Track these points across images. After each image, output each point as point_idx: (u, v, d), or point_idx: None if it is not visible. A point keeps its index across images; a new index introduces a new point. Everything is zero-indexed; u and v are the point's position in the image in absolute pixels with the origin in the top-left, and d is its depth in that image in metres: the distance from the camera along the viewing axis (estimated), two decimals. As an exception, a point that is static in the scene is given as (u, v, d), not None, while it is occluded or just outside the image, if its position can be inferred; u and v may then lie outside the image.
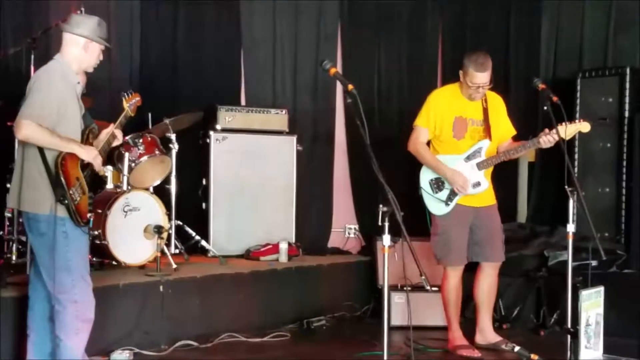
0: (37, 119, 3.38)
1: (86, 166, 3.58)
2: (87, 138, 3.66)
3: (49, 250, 3.47)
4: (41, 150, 3.44)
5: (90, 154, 3.57)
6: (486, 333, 4.79)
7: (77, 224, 3.50)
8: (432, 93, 4.74)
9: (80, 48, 3.62)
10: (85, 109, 3.76)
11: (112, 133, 3.74)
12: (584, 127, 4.37)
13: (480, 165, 4.53)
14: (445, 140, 4.59)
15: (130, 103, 3.91)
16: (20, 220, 4.81)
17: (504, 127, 4.66)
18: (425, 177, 4.61)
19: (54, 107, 3.45)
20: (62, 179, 3.42)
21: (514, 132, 4.69)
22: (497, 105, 4.68)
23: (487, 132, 4.56)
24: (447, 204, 4.56)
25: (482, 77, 4.44)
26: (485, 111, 4.57)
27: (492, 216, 4.67)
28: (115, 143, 3.82)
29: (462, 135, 4.57)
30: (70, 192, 3.45)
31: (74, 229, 3.51)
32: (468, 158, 4.54)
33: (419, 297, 5.12)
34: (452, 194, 4.55)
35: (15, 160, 3.63)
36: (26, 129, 3.37)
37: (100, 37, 3.67)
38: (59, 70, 3.57)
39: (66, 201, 3.43)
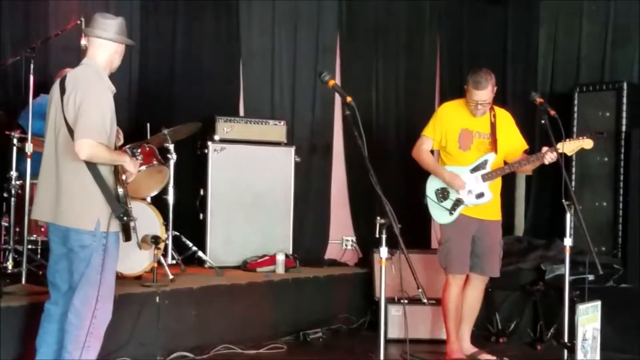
0: (97, 137, 3.33)
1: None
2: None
3: (85, 263, 3.40)
4: (90, 165, 3.37)
5: (136, 166, 3.56)
6: (464, 343, 4.80)
7: (126, 239, 3.44)
8: (441, 106, 4.86)
9: (113, 52, 3.57)
10: None
11: (117, 133, 3.65)
12: (587, 144, 4.39)
13: (485, 177, 4.58)
14: (451, 151, 4.65)
15: None
16: (17, 229, 4.82)
17: (515, 142, 4.70)
18: (432, 186, 4.67)
19: (108, 122, 3.42)
20: (125, 195, 3.36)
21: (525, 146, 4.72)
22: (506, 121, 4.73)
23: (494, 145, 4.60)
24: (451, 213, 4.60)
25: (479, 94, 4.51)
26: (493, 125, 4.63)
27: (494, 231, 4.71)
28: (119, 143, 3.74)
29: (468, 147, 4.62)
30: (130, 206, 3.39)
31: (114, 243, 3.45)
32: (473, 170, 4.60)
33: (416, 310, 5.13)
34: (457, 204, 4.58)
35: (44, 173, 3.51)
36: (89, 149, 3.31)
37: (126, 36, 3.63)
38: (99, 79, 3.50)
39: (126, 218, 3.37)
